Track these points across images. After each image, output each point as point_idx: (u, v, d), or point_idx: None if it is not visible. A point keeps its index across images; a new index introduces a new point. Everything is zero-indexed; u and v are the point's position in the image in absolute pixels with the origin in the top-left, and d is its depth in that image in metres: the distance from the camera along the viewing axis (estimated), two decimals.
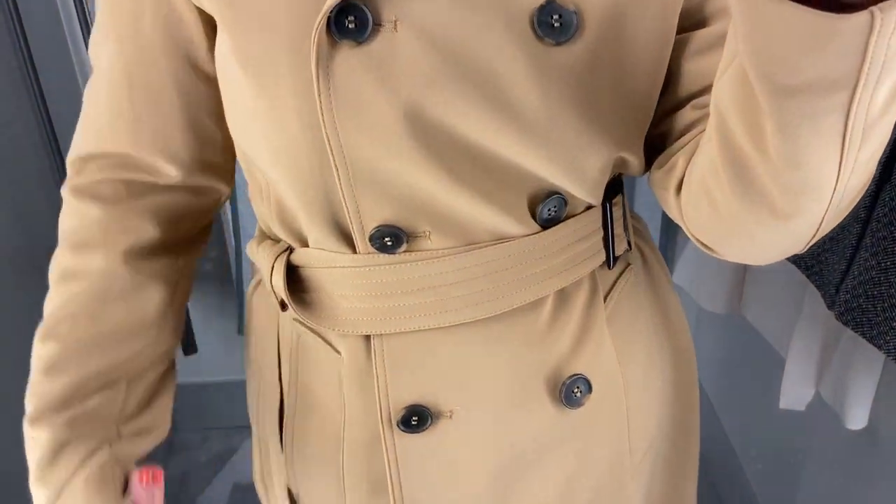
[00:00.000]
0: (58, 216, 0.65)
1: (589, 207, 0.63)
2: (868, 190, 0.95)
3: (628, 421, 0.69)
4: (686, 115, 0.55)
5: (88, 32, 1.08)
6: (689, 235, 0.56)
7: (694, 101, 0.55)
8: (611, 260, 0.66)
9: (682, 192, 0.54)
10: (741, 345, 1.61)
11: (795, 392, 1.22)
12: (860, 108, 0.37)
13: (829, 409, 1.20)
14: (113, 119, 0.60)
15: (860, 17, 0.33)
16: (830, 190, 0.42)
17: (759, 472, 1.56)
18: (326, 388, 0.67)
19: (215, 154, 0.64)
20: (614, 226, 0.65)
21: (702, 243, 0.56)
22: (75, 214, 0.63)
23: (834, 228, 1.03)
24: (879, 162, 0.89)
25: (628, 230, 0.70)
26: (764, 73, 0.37)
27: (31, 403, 0.63)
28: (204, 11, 0.57)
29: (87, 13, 1.28)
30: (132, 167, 0.62)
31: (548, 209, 0.59)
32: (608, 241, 0.65)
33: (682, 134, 0.55)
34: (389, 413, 0.63)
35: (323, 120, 0.52)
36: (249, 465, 2.07)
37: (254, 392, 0.77)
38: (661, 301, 0.74)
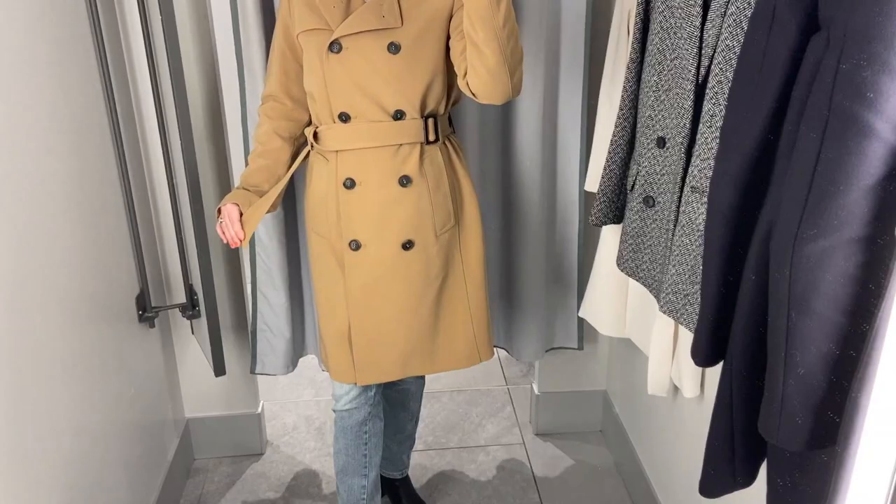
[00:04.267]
0: None
1: (415, 119, 1.64)
2: (674, 220, 1.51)
3: (433, 207, 1.69)
4: (461, 47, 1.56)
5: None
6: (471, 95, 1.56)
7: (460, 42, 1.57)
8: (426, 140, 1.66)
9: (466, 76, 1.55)
10: (640, 364, 2.08)
11: (656, 380, 1.70)
12: (496, 22, 1.45)
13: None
14: (275, 79, 1.74)
15: None
16: (497, 45, 1.46)
17: (646, 448, 2.00)
18: (322, 178, 1.70)
19: (301, 96, 1.74)
20: (428, 129, 1.66)
21: (473, 94, 1.55)
22: (261, 124, 1.76)
23: (658, 248, 1.66)
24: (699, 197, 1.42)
25: (439, 136, 1.68)
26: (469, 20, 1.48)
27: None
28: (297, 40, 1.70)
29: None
30: (278, 101, 1.75)
31: (396, 113, 1.62)
32: (426, 133, 1.65)
33: (462, 54, 1.56)
34: (341, 181, 1.66)
35: (324, 80, 1.64)
36: (256, 485, 2.60)
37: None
38: (457, 176, 1.73)
